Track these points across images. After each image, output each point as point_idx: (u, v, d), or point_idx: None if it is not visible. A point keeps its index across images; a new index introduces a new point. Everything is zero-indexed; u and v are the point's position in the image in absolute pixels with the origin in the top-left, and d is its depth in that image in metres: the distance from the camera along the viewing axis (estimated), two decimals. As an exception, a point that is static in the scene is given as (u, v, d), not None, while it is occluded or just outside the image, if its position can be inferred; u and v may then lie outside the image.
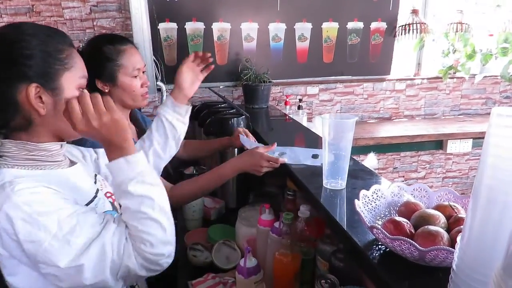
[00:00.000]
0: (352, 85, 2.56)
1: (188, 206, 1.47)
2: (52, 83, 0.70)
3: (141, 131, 1.35)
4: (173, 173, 2.22)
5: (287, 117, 2.04)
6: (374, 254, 0.70)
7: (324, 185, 1.02)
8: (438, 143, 2.46)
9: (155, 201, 0.68)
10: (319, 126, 2.29)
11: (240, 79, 2.26)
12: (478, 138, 2.48)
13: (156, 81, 2.21)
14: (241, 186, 1.63)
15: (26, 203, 0.62)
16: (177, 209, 1.53)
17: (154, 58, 2.20)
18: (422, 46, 2.62)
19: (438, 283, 0.60)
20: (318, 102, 2.53)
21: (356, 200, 0.76)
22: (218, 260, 1.23)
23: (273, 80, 2.26)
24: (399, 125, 2.54)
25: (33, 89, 0.68)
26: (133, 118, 1.34)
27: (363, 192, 0.80)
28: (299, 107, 2.26)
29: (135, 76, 1.21)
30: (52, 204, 0.65)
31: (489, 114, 0.38)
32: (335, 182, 1.02)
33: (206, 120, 1.70)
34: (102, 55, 1.17)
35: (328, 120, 0.97)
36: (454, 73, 2.58)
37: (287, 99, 2.28)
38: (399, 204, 0.80)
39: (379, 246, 0.72)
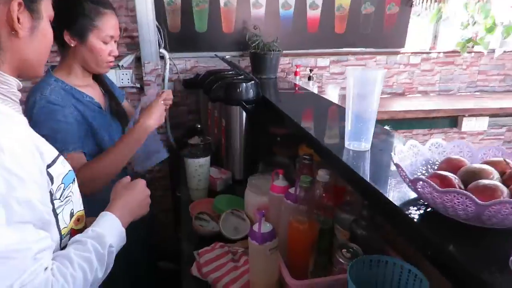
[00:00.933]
0: (365, 57, 2.44)
1: (193, 175, 1.39)
2: (34, 5, 0.64)
3: (106, 91, 1.31)
4: (175, 144, 2.14)
5: (297, 88, 1.93)
6: (413, 214, 0.60)
7: (346, 146, 0.92)
8: (453, 120, 2.35)
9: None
10: (333, 96, 2.18)
11: (247, 48, 2.13)
12: (495, 116, 2.37)
13: (159, 48, 2.09)
14: (249, 157, 1.58)
15: None
16: (180, 179, 1.45)
17: (157, 24, 2.07)
18: (440, 17, 2.47)
19: (499, 246, 0.50)
20: (329, 75, 2.41)
21: (392, 154, 0.66)
22: (226, 230, 1.16)
23: (282, 51, 2.13)
24: (413, 100, 2.42)
25: (15, 4, 0.59)
26: (98, 79, 1.30)
27: (398, 147, 0.69)
28: (309, 78, 2.15)
29: (106, 43, 1.18)
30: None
31: (507, 92, 0.26)
32: (358, 144, 0.92)
33: (212, 86, 1.59)
34: (80, 10, 1.13)
35: (354, 72, 0.86)
36: (473, 46, 2.44)
37: (297, 69, 2.16)
38: (438, 162, 0.70)
39: (419, 206, 0.62)
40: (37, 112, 1.05)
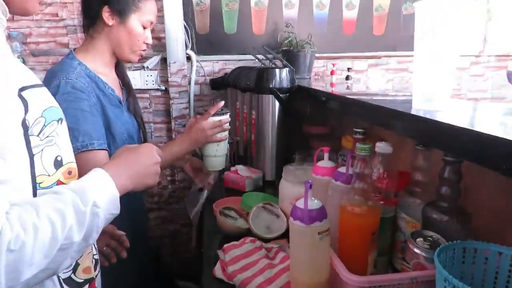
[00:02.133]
0: (406, 60, 2.24)
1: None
2: None
3: (125, 85, 1.23)
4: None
5: (334, 87, 1.76)
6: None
7: (414, 107, 0.73)
8: None
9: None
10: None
11: (279, 47, 2.00)
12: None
13: (186, 49, 2.00)
14: (282, 153, 1.44)
15: None
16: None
17: (185, 24, 2.00)
18: (490, 18, 2.27)
19: None
20: (367, 79, 2.22)
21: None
22: (257, 228, 0.96)
23: (316, 54, 1.99)
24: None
25: None
26: (120, 70, 1.22)
27: None
28: (347, 78, 1.97)
29: (145, 27, 1.12)
30: None
31: None
32: (430, 103, 0.72)
33: (242, 78, 1.46)
34: None
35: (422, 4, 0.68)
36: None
37: (334, 67, 2.00)
38: None
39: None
40: (60, 98, 0.95)
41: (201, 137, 1.16)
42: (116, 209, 0.61)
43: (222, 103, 1.21)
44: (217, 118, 1.18)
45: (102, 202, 0.57)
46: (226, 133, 1.23)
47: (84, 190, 0.55)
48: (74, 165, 0.63)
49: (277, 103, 1.39)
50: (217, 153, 1.23)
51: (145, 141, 1.25)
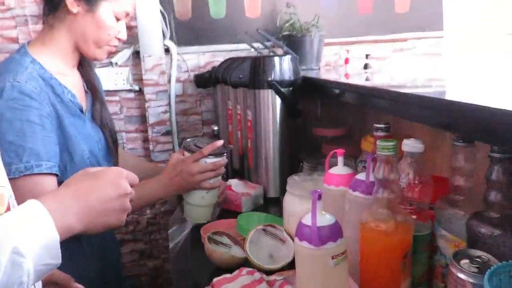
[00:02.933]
0: (439, 43, 2.24)
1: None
2: None
3: (90, 88, 1.22)
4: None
5: (348, 81, 1.76)
6: None
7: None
8: None
9: None
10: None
11: (279, 33, 2.01)
12: None
13: (164, 39, 2.01)
14: (287, 163, 1.44)
15: None
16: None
17: (162, 9, 2.01)
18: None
19: None
20: (391, 68, 2.22)
21: None
22: (257, 256, 0.98)
23: (325, 39, 2.00)
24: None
25: None
26: (84, 68, 1.21)
27: None
28: (365, 67, 1.96)
29: (118, 19, 1.12)
30: None
31: None
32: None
33: (233, 70, 1.47)
34: None
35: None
36: None
37: (348, 55, 2.00)
38: None
39: None
40: (3, 105, 0.94)
41: (187, 183, 1.15)
42: (54, 258, 0.57)
43: (221, 142, 1.19)
44: (210, 160, 1.17)
45: (30, 249, 0.53)
46: (219, 178, 1.22)
47: (4, 231, 0.51)
48: (2, 190, 0.60)
49: (278, 100, 1.38)
50: (203, 202, 1.21)
51: (115, 163, 1.23)
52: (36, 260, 0.54)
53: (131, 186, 0.73)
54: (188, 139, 1.26)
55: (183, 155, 1.19)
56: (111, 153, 1.21)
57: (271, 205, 1.39)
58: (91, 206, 0.66)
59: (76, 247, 1.08)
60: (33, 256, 0.53)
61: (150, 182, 1.15)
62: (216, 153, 1.17)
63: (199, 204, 1.20)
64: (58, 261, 0.58)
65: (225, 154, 1.20)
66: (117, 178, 0.70)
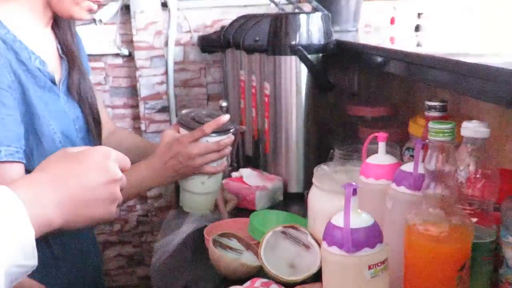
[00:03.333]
0: (514, 0, 2.21)
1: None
2: None
3: (66, 52, 1.22)
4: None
5: (394, 42, 1.76)
6: None
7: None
8: None
9: None
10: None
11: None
12: None
13: (160, -9, 2.03)
14: (315, 148, 1.47)
15: None
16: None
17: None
18: None
19: None
20: (450, 30, 2.20)
21: None
22: (275, 265, 1.00)
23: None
24: None
25: None
26: (60, 27, 1.22)
27: None
28: (417, 28, 1.95)
29: None
30: None
31: None
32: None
33: (248, 31, 1.48)
34: None
35: None
36: None
37: (394, 12, 1.99)
38: None
39: None
40: None
41: (184, 167, 1.16)
42: (29, 258, 0.58)
43: (227, 117, 1.19)
44: (213, 139, 1.17)
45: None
46: (224, 160, 1.22)
47: None
48: None
49: (304, 70, 1.39)
50: (204, 189, 1.22)
51: (97, 143, 1.25)
52: (7, 261, 0.55)
53: (122, 171, 0.74)
54: (184, 112, 1.27)
55: (179, 132, 1.20)
56: (92, 135, 1.22)
57: (293, 202, 1.40)
58: (74, 194, 0.67)
59: (43, 250, 1.10)
60: (4, 256, 0.55)
61: (138, 167, 1.16)
62: (220, 130, 1.19)
63: (199, 191, 1.22)
64: (34, 262, 0.59)
65: (231, 130, 1.21)
66: (105, 160, 0.72)
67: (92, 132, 1.22)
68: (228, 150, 1.21)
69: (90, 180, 0.69)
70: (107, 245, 2.18)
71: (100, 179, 0.70)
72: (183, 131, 1.19)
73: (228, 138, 1.19)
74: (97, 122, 1.23)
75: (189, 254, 1.18)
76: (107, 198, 0.71)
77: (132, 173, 1.13)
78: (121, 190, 0.74)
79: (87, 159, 0.71)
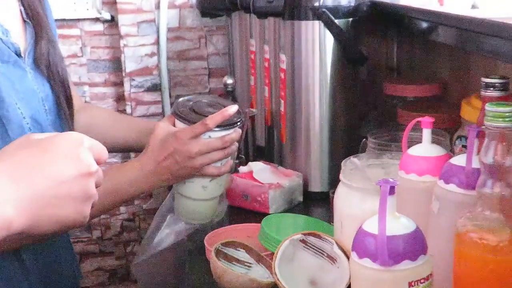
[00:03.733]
0: None
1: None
2: None
3: (32, 17, 1.23)
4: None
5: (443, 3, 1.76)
6: None
7: None
8: None
9: None
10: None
11: None
12: None
13: None
14: (343, 136, 1.48)
15: None
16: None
17: None
18: None
19: None
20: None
21: None
22: (290, 280, 1.02)
23: None
24: None
25: None
26: None
27: None
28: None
29: None
30: None
31: None
32: None
33: None
34: None
35: None
36: None
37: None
38: None
39: None
40: None
41: (182, 169, 1.17)
42: None
43: (235, 108, 1.20)
44: (217, 134, 1.18)
45: None
46: (229, 159, 1.24)
47: None
48: None
49: (329, 38, 1.40)
50: (205, 195, 1.24)
51: (69, 128, 1.26)
52: None
53: (98, 163, 0.75)
54: (181, 100, 1.27)
55: (174, 126, 1.21)
56: (64, 118, 1.23)
57: (315, 203, 1.42)
58: (37, 189, 0.68)
59: (11, 260, 1.12)
60: None
61: (124, 168, 1.18)
62: (226, 124, 1.19)
63: (199, 197, 1.24)
64: None
65: (238, 122, 1.22)
66: (76, 148, 0.72)
67: (64, 114, 1.23)
68: (235, 147, 1.22)
69: (58, 172, 0.70)
70: (85, 256, 2.21)
71: (70, 171, 0.71)
72: (180, 124, 1.20)
73: (235, 132, 1.20)
74: (69, 101, 1.24)
75: (187, 266, 1.20)
76: (78, 195, 0.72)
77: (117, 175, 1.15)
78: (96, 186, 0.75)
79: (54, 146, 0.71)
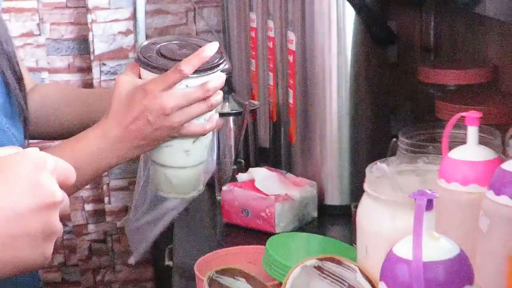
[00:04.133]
0: None
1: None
2: None
3: None
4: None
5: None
6: None
7: None
8: None
9: None
10: None
11: None
12: None
13: None
14: (368, 134, 1.50)
15: None
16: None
17: None
18: None
19: None
20: None
21: None
22: None
23: None
24: None
25: None
26: None
27: None
28: None
29: None
30: None
31: None
32: None
33: None
34: None
35: None
36: None
37: None
38: None
39: None
40: None
41: (157, 130, 1.18)
42: None
43: (215, 46, 1.21)
44: (197, 81, 1.18)
45: None
46: (216, 114, 1.25)
47: None
48: None
49: (350, 12, 1.41)
50: (188, 161, 1.25)
51: (25, 122, 1.27)
52: None
53: (63, 187, 0.75)
54: (145, 43, 1.25)
55: (140, 77, 1.20)
56: (15, 101, 1.24)
57: (333, 220, 1.44)
58: None
59: None
60: None
61: (86, 139, 1.18)
62: (204, 68, 1.19)
63: (181, 164, 1.25)
64: None
65: (220, 64, 1.21)
66: (36, 172, 0.72)
67: (15, 96, 1.23)
68: (220, 97, 1.21)
69: (13, 204, 0.70)
70: (47, 287, 2.21)
71: (28, 202, 0.71)
72: (147, 74, 1.19)
73: (218, 78, 1.19)
74: (20, 79, 1.24)
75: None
76: (39, 231, 0.71)
77: (75, 148, 1.14)
78: (61, 218, 0.75)
79: (9, 171, 0.71)
